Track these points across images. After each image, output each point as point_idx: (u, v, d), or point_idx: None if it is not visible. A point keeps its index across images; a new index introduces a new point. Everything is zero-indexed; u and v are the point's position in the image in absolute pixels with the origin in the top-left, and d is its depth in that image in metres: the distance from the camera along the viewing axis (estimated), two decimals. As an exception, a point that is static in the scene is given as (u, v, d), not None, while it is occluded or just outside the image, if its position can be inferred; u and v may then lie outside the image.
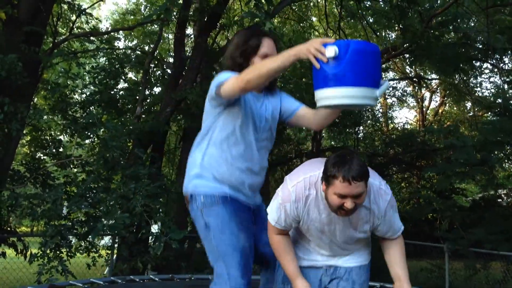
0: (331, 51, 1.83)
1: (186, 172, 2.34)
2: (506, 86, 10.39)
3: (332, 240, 2.18)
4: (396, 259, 2.24)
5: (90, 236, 5.16)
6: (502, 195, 10.30)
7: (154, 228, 6.65)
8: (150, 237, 6.66)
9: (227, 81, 2.07)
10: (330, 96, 1.89)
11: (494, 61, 9.83)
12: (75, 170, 7.21)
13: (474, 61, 10.98)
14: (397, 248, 2.23)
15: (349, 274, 2.25)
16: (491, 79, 15.51)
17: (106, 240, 7.30)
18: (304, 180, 2.09)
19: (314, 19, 14.21)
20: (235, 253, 2.12)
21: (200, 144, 2.30)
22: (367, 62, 1.87)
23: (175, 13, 8.37)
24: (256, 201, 2.38)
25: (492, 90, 15.13)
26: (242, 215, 2.22)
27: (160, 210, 5.69)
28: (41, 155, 8.65)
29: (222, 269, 2.13)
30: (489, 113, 12.79)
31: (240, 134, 2.19)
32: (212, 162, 2.21)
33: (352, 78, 1.83)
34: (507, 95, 8.02)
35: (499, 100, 7.65)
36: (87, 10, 9.87)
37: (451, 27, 9.81)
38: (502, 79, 9.82)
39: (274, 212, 2.15)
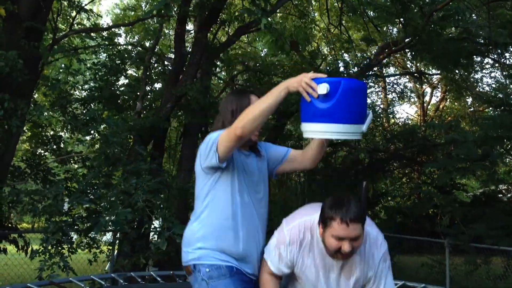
0: (322, 89, 1.87)
1: (185, 243, 2.25)
2: (507, 81, 10.37)
3: None
4: None
5: (93, 231, 5.16)
6: (503, 191, 10.30)
7: (156, 224, 6.66)
8: (151, 233, 6.68)
9: (219, 138, 2.05)
10: (318, 130, 1.95)
11: (495, 56, 9.80)
12: (76, 166, 7.21)
13: (475, 56, 10.95)
14: None
15: None
16: (492, 74, 15.45)
17: (108, 236, 7.31)
18: (299, 223, 2.07)
19: (315, 14, 14.15)
20: None
21: (200, 214, 2.21)
22: (356, 100, 1.93)
23: (175, 9, 8.35)
24: (256, 273, 2.29)
25: (493, 85, 15.09)
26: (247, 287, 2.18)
27: (162, 205, 5.69)
28: (42, 151, 8.66)
29: None
30: (490, 108, 12.78)
31: (240, 198, 2.16)
32: (215, 232, 2.14)
33: (341, 115, 1.89)
34: (508, 90, 8.00)
35: (500, 95, 7.64)
36: (87, 6, 9.83)
37: (452, 22, 9.78)
38: (504, 73, 9.79)
39: (270, 253, 2.12)
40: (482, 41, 9.75)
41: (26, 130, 8.41)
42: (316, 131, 1.96)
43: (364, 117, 1.98)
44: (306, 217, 2.08)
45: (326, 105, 1.89)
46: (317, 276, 2.07)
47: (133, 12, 13.29)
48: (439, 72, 14.31)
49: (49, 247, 4.97)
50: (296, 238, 2.05)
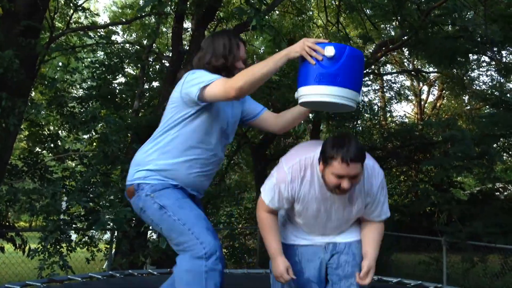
0: (330, 50, 1.89)
1: (133, 163, 2.25)
2: (501, 80, 10.40)
3: (327, 221, 2.23)
4: (370, 239, 2.28)
5: (93, 228, 5.16)
6: (500, 189, 10.34)
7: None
8: (149, 231, 6.67)
9: (212, 84, 2.03)
10: (319, 93, 1.95)
11: (491, 54, 9.82)
12: (74, 164, 7.20)
13: (471, 54, 10.97)
14: (375, 231, 2.30)
15: (349, 247, 2.28)
16: (488, 72, 15.49)
17: (109, 235, 7.33)
18: (300, 161, 2.15)
19: (313, 12, 14.15)
20: (201, 221, 2.09)
21: (159, 139, 2.23)
22: (358, 67, 1.99)
23: (172, 7, 8.32)
24: (202, 193, 2.37)
25: (490, 83, 15.13)
26: (190, 198, 2.21)
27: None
28: (39, 149, 8.63)
29: (191, 240, 2.03)
30: (487, 106, 12.81)
31: (206, 140, 2.19)
32: (167, 163, 2.16)
33: (344, 79, 1.92)
34: (504, 88, 8.02)
35: (496, 93, 7.66)
36: (84, 4, 9.80)
37: (449, 20, 9.79)
38: (503, 72, 9.82)
39: (268, 192, 2.20)
40: (479, 39, 9.76)
41: (23, 129, 8.38)
42: (317, 93, 1.95)
43: (360, 87, 2.03)
44: (306, 154, 2.16)
45: (330, 68, 1.90)
46: (318, 209, 2.18)
47: (130, 10, 13.25)
48: (436, 70, 14.34)
49: (48, 246, 4.97)
50: (297, 175, 2.13)
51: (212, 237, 2.04)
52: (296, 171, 2.14)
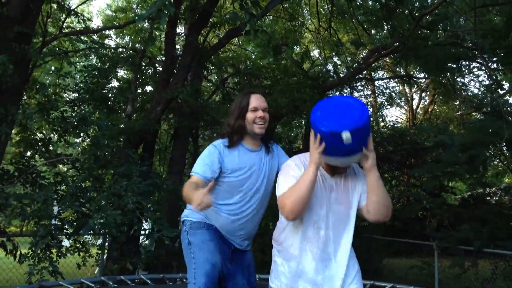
0: (347, 139, 2.07)
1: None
2: (491, 85, 10.46)
3: (328, 212, 2.29)
4: None
5: (81, 232, 5.13)
6: (491, 194, 10.42)
7: (145, 226, 6.63)
8: (141, 236, 6.65)
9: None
10: (339, 162, 2.25)
11: (481, 60, 9.91)
12: (65, 169, 7.16)
13: (462, 61, 11.06)
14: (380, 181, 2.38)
15: None
16: (479, 78, 15.63)
17: (101, 240, 7.29)
18: (299, 156, 2.44)
19: (305, 16, 14.22)
20: (206, 264, 2.47)
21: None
22: (367, 136, 2.23)
23: (167, 14, 8.32)
24: (241, 244, 2.74)
25: (481, 89, 15.25)
26: (222, 243, 2.63)
27: (152, 208, 5.67)
28: (30, 153, 8.56)
29: (191, 277, 2.49)
30: (478, 111, 12.90)
31: (229, 196, 2.64)
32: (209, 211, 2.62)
33: (357, 149, 2.18)
34: (494, 95, 8.08)
35: (487, 99, 7.73)
36: (78, 7, 9.78)
37: (440, 26, 9.87)
38: (492, 78, 9.89)
39: (283, 179, 2.33)
40: (470, 44, 9.86)
41: (14, 134, 8.32)
42: (336, 162, 2.27)
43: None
44: (302, 155, 2.45)
45: (351, 144, 2.10)
46: (321, 195, 2.31)
47: (123, 14, 13.23)
48: (427, 76, 14.45)
49: (39, 251, 4.93)
50: (299, 161, 2.38)
51: (205, 281, 2.42)
52: (298, 159, 2.40)
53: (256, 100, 2.71)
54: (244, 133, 2.69)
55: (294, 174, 2.30)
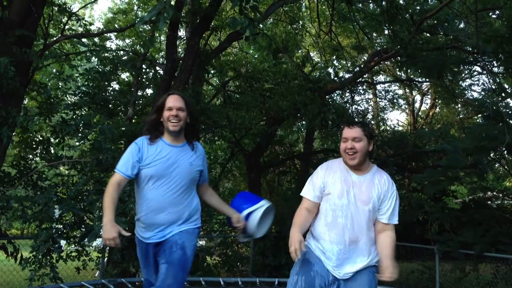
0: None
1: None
2: (493, 89, 10.45)
3: (347, 209, 2.77)
4: (385, 243, 2.81)
5: (86, 239, 5.12)
6: (493, 198, 10.39)
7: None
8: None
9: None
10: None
11: (483, 63, 9.91)
12: (67, 171, 7.15)
13: (463, 64, 11.05)
14: (388, 238, 2.82)
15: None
16: (481, 81, 15.61)
17: (99, 241, 7.27)
18: (326, 163, 3.00)
19: (306, 20, 14.24)
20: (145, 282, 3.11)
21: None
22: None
23: (168, 17, 8.33)
24: (163, 234, 2.95)
25: (482, 93, 15.25)
26: (145, 251, 3.01)
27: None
28: (30, 156, 8.55)
29: None
30: (479, 115, 12.89)
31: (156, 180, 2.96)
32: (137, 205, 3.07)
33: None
34: (494, 100, 8.07)
35: (488, 102, 7.70)
36: (79, 11, 9.79)
37: (440, 30, 9.88)
38: (495, 81, 9.89)
39: (305, 188, 2.95)
40: (470, 49, 9.86)
41: (15, 135, 8.31)
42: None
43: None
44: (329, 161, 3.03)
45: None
46: (342, 190, 2.81)
47: (124, 16, 13.25)
48: (427, 80, 14.45)
49: (40, 256, 4.92)
50: (324, 166, 2.95)
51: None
52: (323, 166, 2.96)
53: (171, 100, 2.99)
54: (163, 130, 3.02)
55: (315, 181, 2.92)
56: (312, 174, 3.00)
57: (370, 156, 2.92)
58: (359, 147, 2.77)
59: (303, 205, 2.93)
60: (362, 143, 2.78)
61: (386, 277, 2.68)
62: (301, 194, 2.96)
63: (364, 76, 13.57)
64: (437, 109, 19.18)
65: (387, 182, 2.83)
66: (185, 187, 2.97)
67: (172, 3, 8.33)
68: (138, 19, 11.08)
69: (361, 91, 15.40)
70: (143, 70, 10.33)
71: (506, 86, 11.21)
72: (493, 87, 9.40)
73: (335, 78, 12.14)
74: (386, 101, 18.53)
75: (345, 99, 13.80)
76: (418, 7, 9.88)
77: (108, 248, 6.70)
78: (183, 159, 2.98)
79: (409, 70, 14.80)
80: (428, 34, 10.45)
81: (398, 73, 16.81)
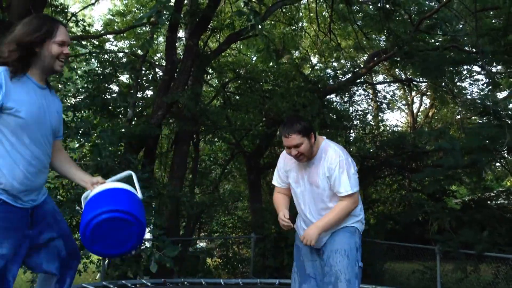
0: None
1: None
2: (489, 89, 10.46)
3: (306, 192, 2.97)
4: (326, 215, 2.91)
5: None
6: (493, 198, 10.40)
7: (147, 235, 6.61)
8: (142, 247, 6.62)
9: None
10: None
11: (482, 63, 9.91)
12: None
13: (461, 65, 11.06)
14: (334, 209, 2.88)
15: (328, 259, 2.89)
16: (480, 82, 15.61)
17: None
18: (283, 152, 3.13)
19: (304, 21, 14.24)
20: None
21: None
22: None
23: (167, 15, 8.34)
24: (38, 197, 2.32)
25: (481, 93, 15.24)
26: (14, 219, 2.19)
27: (154, 221, 5.64)
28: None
29: None
30: (478, 115, 12.88)
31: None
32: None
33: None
34: (495, 99, 8.06)
35: (488, 104, 7.70)
36: (79, 12, 9.79)
37: (438, 29, 9.89)
38: (490, 77, 9.90)
39: (274, 176, 3.19)
40: (469, 49, 9.87)
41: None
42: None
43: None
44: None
45: None
46: (297, 178, 3.02)
47: (124, 18, 13.24)
48: (425, 80, 14.45)
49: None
50: (283, 154, 3.10)
51: None
52: (282, 155, 3.12)
53: (65, 34, 2.28)
54: (33, 64, 2.22)
55: (278, 169, 3.14)
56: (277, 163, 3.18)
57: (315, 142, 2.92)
58: (303, 149, 2.81)
59: (276, 191, 3.18)
60: (303, 145, 2.80)
61: (303, 241, 2.88)
62: (272, 182, 3.21)
63: (364, 76, 13.57)
64: (436, 109, 19.18)
65: (332, 155, 2.87)
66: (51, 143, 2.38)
67: (172, 3, 8.36)
68: (137, 18, 11.11)
69: (360, 91, 15.40)
70: (143, 72, 10.32)
71: (505, 87, 11.24)
72: (487, 83, 9.40)
73: (334, 80, 12.15)
74: (385, 101, 18.51)
75: (344, 99, 13.81)
76: (416, 8, 9.89)
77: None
78: (51, 106, 2.34)
79: (407, 71, 14.83)
80: (426, 35, 10.46)
81: (397, 72, 16.81)
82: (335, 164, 2.84)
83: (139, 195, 2.40)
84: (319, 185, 2.91)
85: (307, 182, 2.96)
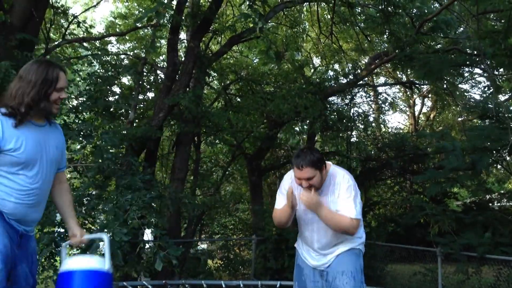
0: None
1: None
2: (490, 92, 10.46)
3: (315, 220, 2.88)
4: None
5: (88, 252, 5.12)
6: (495, 200, 10.38)
7: (147, 233, 6.61)
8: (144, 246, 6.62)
9: None
10: None
11: (483, 66, 9.91)
12: (69, 175, 7.15)
13: (463, 67, 11.06)
14: (340, 215, 2.82)
15: (334, 281, 2.87)
16: (482, 84, 15.60)
17: (100, 244, 7.25)
18: (290, 174, 3.03)
19: (306, 24, 14.26)
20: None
21: None
22: None
23: (167, 16, 8.36)
24: (30, 228, 2.46)
25: (483, 95, 15.23)
26: (9, 227, 2.33)
27: (156, 222, 5.64)
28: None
29: None
30: (479, 118, 12.86)
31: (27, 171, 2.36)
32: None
33: None
34: (497, 101, 8.06)
35: (490, 106, 7.69)
36: (81, 14, 9.81)
37: (439, 32, 9.87)
38: (494, 83, 9.89)
39: (278, 201, 3.02)
40: (470, 51, 9.86)
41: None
42: None
43: None
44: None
45: None
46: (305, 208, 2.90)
47: (126, 21, 13.27)
48: (426, 83, 14.45)
49: (43, 259, 4.92)
50: (289, 177, 3.02)
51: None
52: (286, 177, 3.05)
53: (64, 80, 2.41)
54: (36, 110, 2.37)
55: (284, 192, 2.95)
56: (281, 184, 3.08)
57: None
58: (315, 181, 2.78)
59: (276, 208, 3.06)
60: (316, 178, 2.77)
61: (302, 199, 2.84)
62: (276, 207, 3.03)
63: (365, 78, 13.58)
64: (438, 111, 19.17)
65: (342, 181, 2.86)
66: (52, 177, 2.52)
67: (173, 3, 8.38)
68: (136, 18, 11.11)
69: (362, 93, 15.40)
70: (144, 74, 10.34)
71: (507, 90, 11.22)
72: (489, 85, 9.40)
73: (336, 82, 12.16)
74: (386, 103, 18.51)
75: (346, 101, 13.82)
76: (416, 10, 9.88)
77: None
78: (50, 141, 2.47)
79: (408, 72, 14.82)
80: (428, 37, 10.45)
81: (399, 75, 16.81)
82: (345, 189, 2.83)
83: (107, 265, 2.53)
84: (329, 206, 2.88)
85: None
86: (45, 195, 2.49)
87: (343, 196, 2.81)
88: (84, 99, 6.98)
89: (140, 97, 10.64)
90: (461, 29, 10.46)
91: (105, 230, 4.82)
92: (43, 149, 2.40)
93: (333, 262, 2.90)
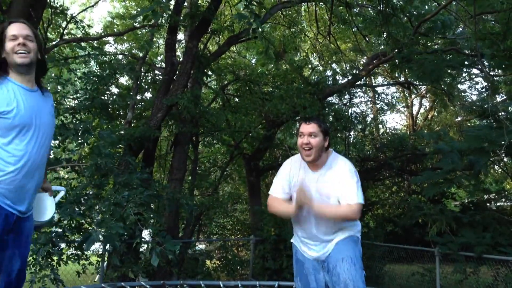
0: None
1: None
2: (487, 93, 10.47)
3: (310, 209, 2.86)
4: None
5: (84, 246, 5.11)
6: (492, 200, 10.39)
7: (145, 232, 6.60)
8: (143, 245, 6.60)
9: None
10: None
11: (481, 66, 9.93)
12: (66, 175, 7.13)
13: (460, 68, 11.07)
14: (338, 206, 2.86)
15: (334, 268, 2.87)
16: (479, 85, 15.64)
17: (97, 245, 7.24)
18: (289, 159, 3.14)
19: (304, 24, 14.27)
20: None
21: None
22: None
23: (165, 16, 8.35)
24: (28, 207, 2.44)
25: (480, 95, 15.26)
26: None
27: (153, 219, 5.63)
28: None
29: None
30: (477, 118, 12.89)
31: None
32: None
33: None
34: (492, 102, 8.06)
35: (486, 106, 7.69)
36: (79, 14, 9.80)
37: (438, 33, 9.90)
38: (489, 81, 9.91)
39: (274, 186, 3.07)
40: (468, 52, 9.87)
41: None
42: None
43: None
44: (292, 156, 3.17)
45: None
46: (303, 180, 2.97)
47: (123, 21, 13.26)
48: (423, 84, 14.47)
49: (40, 259, 4.91)
50: (288, 163, 3.10)
51: None
52: (286, 162, 3.11)
53: (15, 28, 2.40)
54: (9, 68, 2.39)
55: (282, 178, 3.06)
56: (279, 169, 3.13)
57: (327, 149, 3.00)
58: (315, 142, 2.88)
59: (272, 197, 3.08)
60: (317, 138, 2.89)
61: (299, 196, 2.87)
62: (270, 192, 3.09)
63: (363, 78, 13.58)
64: (436, 112, 19.20)
65: (343, 165, 2.93)
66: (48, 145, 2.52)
67: (171, 4, 8.37)
68: (131, 16, 11.09)
69: (360, 93, 15.41)
70: (142, 74, 10.32)
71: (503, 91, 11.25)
72: (486, 86, 9.41)
73: (334, 82, 12.15)
74: (384, 103, 18.54)
75: (344, 101, 13.83)
76: (414, 11, 9.90)
77: (107, 252, 6.69)
78: (43, 108, 2.46)
79: (406, 72, 14.84)
80: (426, 38, 10.47)
81: (397, 75, 16.83)
82: (347, 172, 2.88)
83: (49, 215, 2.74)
84: (330, 196, 2.89)
85: (316, 193, 2.91)
86: (41, 163, 2.46)
87: (345, 181, 2.84)
88: (81, 98, 6.96)
89: (138, 97, 10.64)
90: (459, 29, 10.48)
91: (102, 229, 4.80)
92: (37, 114, 2.39)
93: (332, 251, 2.93)
